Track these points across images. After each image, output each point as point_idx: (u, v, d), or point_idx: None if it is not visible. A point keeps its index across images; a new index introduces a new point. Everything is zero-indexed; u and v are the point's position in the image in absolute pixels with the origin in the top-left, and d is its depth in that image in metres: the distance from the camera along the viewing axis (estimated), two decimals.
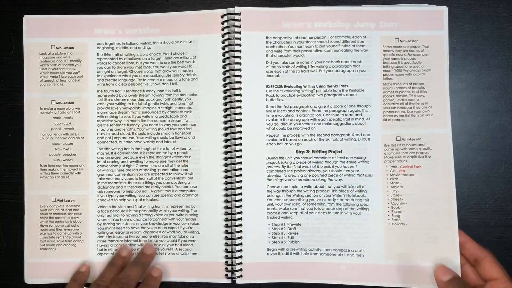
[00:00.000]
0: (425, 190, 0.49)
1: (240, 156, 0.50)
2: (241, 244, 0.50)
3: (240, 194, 0.50)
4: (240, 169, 0.50)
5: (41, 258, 0.51)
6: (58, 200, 0.51)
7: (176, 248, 0.50)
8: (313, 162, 0.50)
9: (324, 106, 0.50)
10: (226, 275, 0.50)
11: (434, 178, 0.49)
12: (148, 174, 0.51)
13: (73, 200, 0.51)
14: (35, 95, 0.51)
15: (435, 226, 0.49)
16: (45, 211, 0.51)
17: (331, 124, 0.50)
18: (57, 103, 0.51)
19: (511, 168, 0.51)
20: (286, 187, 0.50)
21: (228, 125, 0.50)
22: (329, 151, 0.50)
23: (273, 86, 0.50)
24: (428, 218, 0.49)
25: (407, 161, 0.50)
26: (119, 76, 0.51)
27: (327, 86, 0.50)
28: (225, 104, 0.50)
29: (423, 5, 0.50)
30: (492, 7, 0.51)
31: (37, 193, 0.51)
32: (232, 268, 0.50)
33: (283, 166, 0.50)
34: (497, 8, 0.51)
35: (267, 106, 0.50)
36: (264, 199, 0.50)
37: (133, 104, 0.51)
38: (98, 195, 0.51)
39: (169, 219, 0.51)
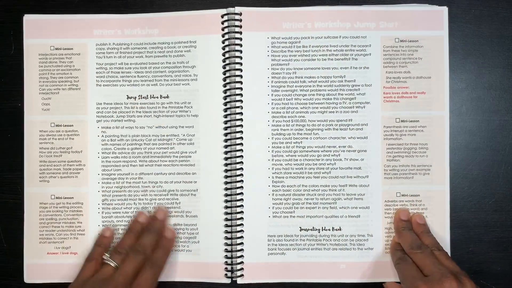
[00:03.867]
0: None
1: (241, 156, 0.50)
2: (242, 243, 0.50)
3: (241, 194, 0.50)
4: (241, 169, 0.50)
5: (41, 258, 0.51)
6: (57, 198, 0.51)
7: (177, 247, 0.50)
8: (315, 161, 0.50)
9: (325, 106, 0.50)
10: (226, 274, 0.50)
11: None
12: (149, 174, 0.51)
13: (72, 198, 0.51)
14: (35, 96, 0.51)
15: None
16: (44, 209, 0.51)
17: (331, 125, 0.50)
18: (57, 103, 0.51)
19: (511, 168, 0.51)
20: (288, 185, 0.50)
21: (228, 125, 0.50)
22: (329, 149, 0.50)
23: (274, 86, 0.50)
24: None
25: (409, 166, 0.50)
26: (117, 77, 0.51)
27: (328, 86, 0.50)
28: (225, 104, 0.50)
29: (423, 5, 0.50)
30: (492, 7, 0.51)
31: (36, 191, 0.51)
32: (232, 268, 0.50)
33: (285, 165, 0.50)
34: (497, 8, 0.51)
35: (269, 106, 0.50)
36: (265, 198, 0.50)
37: (133, 105, 0.51)
38: (99, 192, 0.51)
39: (170, 219, 0.51)
